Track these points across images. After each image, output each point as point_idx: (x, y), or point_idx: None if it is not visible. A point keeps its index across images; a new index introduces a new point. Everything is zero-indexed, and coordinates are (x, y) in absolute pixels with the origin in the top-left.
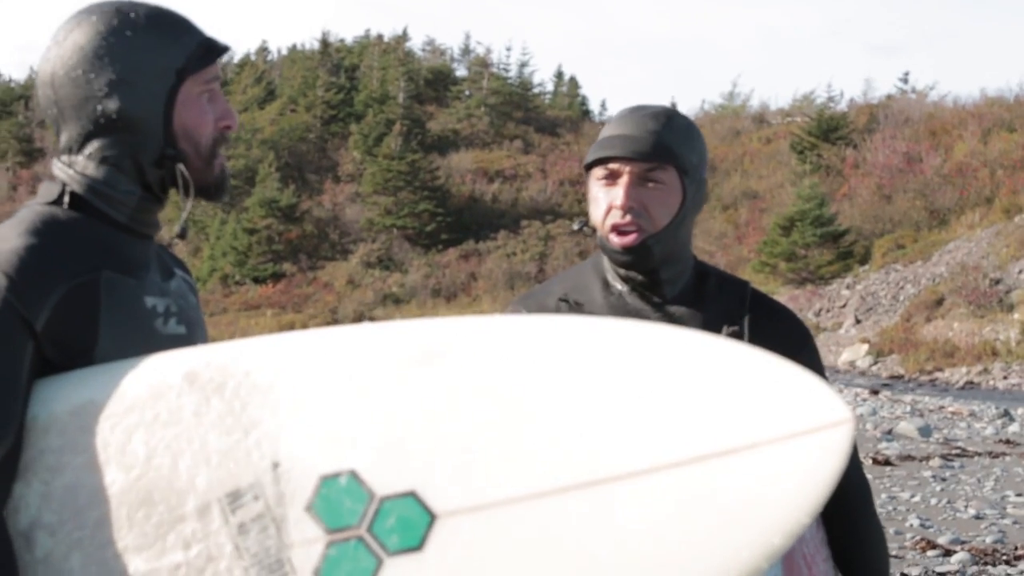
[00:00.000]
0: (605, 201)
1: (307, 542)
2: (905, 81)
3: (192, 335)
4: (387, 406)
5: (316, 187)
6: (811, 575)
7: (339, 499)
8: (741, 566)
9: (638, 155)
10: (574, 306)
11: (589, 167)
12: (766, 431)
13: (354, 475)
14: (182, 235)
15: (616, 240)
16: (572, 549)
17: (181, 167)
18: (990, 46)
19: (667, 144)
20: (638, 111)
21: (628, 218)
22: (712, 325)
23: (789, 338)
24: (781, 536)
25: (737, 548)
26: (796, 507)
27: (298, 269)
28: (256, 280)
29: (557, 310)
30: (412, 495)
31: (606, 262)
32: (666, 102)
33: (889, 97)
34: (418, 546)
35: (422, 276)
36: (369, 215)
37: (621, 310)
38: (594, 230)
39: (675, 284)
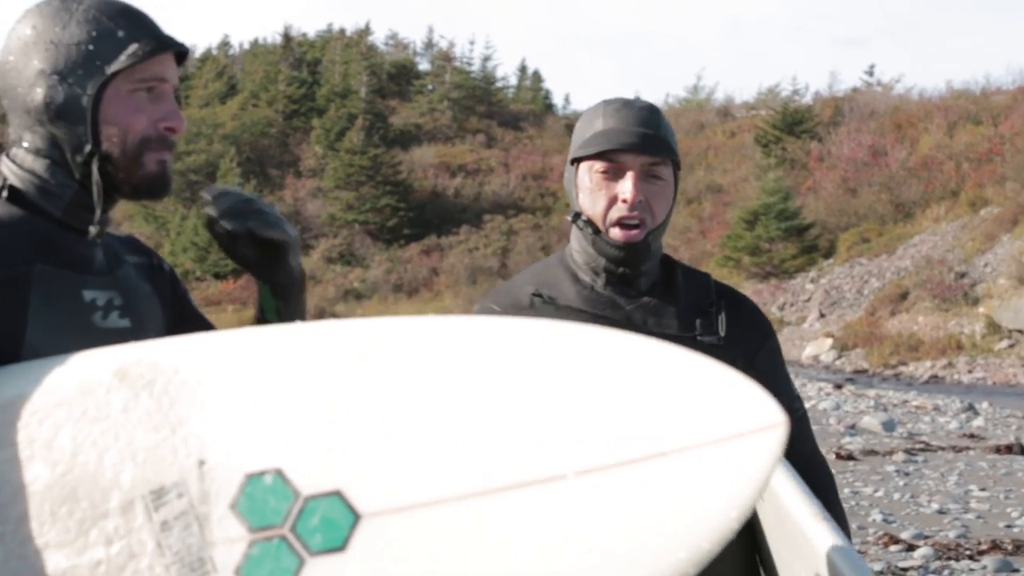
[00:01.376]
0: (606, 195)
1: (230, 540)
2: (871, 74)
3: (139, 327)
4: (316, 405)
5: (278, 182)
6: None
7: (264, 498)
8: (669, 571)
9: (648, 150)
10: (548, 300)
11: (587, 159)
12: (697, 434)
13: (280, 474)
14: (97, 235)
15: (620, 235)
16: (496, 553)
17: (94, 167)
18: (956, 39)
19: (665, 138)
20: (630, 105)
21: (635, 212)
22: (684, 316)
23: (756, 328)
24: (710, 542)
25: (665, 553)
26: (726, 512)
27: None
28: (217, 276)
29: (531, 305)
30: (337, 495)
31: (577, 256)
32: (630, 95)
33: (854, 90)
34: (341, 547)
35: (384, 271)
36: (331, 210)
37: (595, 303)
38: (586, 222)
39: (650, 276)
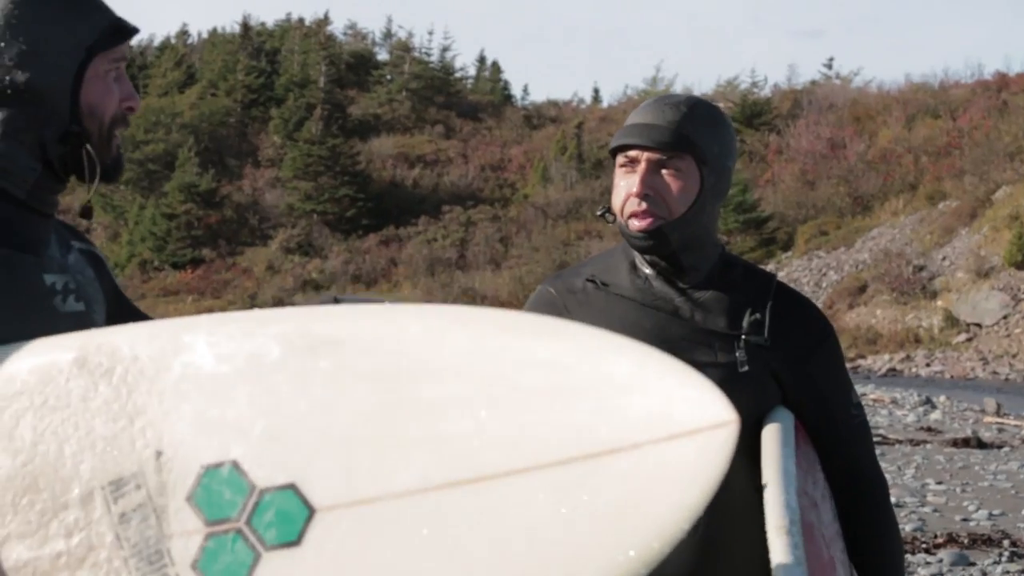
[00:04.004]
0: (625, 189)
1: (186, 533)
2: (829, 67)
3: (90, 311)
4: (272, 396)
5: (236, 172)
6: (829, 555)
7: (220, 490)
8: (619, 569)
9: (654, 143)
10: (600, 286)
11: (612, 155)
12: (648, 431)
13: (235, 466)
14: (85, 214)
15: (633, 225)
16: (449, 548)
17: (88, 147)
18: (914, 32)
19: (685, 133)
20: (661, 100)
21: (643, 205)
22: (735, 312)
23: (809, 330)
24: (660, 541)
25: (616, 551)
26: (677, 510)
27: (217, 255)
28: (175, 266)
29: (584, 289)
30: (292, 488)
31: None
32: (589, 87)
33: (813, 83)
34: (296, 540)
35: (342, 262)
36: (289, 200)
37: (647, 293)
38: (613, 216)
39: (699, 270)
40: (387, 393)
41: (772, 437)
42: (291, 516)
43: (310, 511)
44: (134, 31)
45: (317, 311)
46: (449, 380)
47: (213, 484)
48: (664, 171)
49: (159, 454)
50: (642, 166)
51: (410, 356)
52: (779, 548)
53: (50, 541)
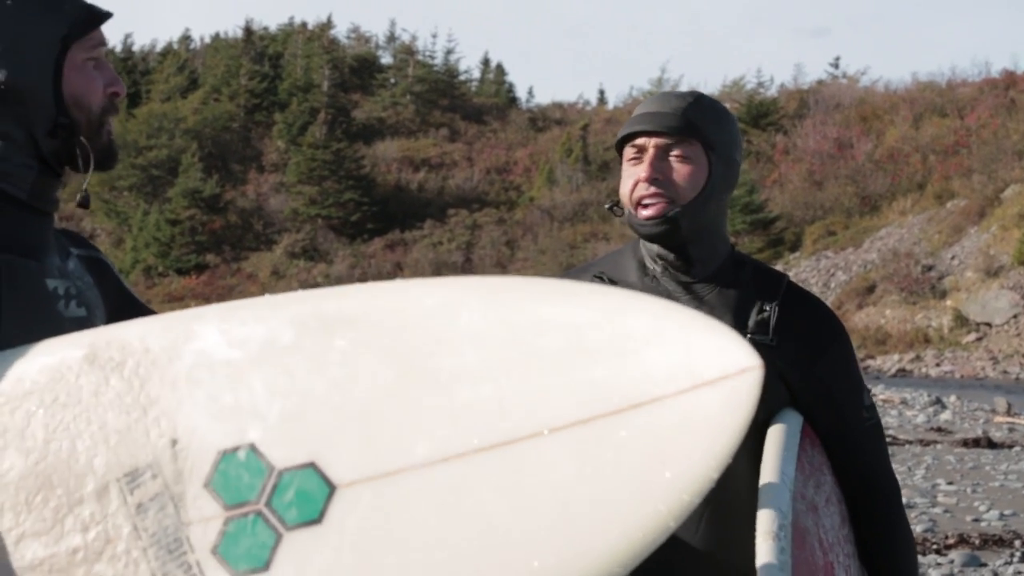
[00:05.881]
0: (632, 177)
1: (205, 519)
2: (836, 66)
3: (92, 317)
4: (288, 377)
5: (240, 177)
6: (826, 561)
7: (238, 474)
8: (648, 526)
9: (662, 127)
10: (608, 283)
11: (619, 148)
12: (670, 383)
13: (253, 449)
14: (83, 204)
15: (643, 213)
16: (475, 515)
17: (81, 138)
18: (921, 30)
19: (691, 120)
20: (666, 92)
21: (652, 189)
22: (742, 310)
23: (819, 330)
24: (689, 493)
25: (644, 507)
26: (704, 461)
27: (222, 260)
28: (179, 271)
29: None
30: (312, 466)
31: (643, 243)
32: (594, 88)
33: (820, 82)
34: (317, 518)
35: (347, 266)
36: (293, 205)
37: (654, 290)
38: (621, 207)
39: (707, 265)
40: (404, 367)
41: (773, 440)
42: (312, 494)
43: (331, 488)
44: (106, 15)
45: (328, 292)
46: (466, 350)
47: (230, 469)
48: (672, 156)
49: (174, 442)
50: (650, 152)
51: (426, 329)
52: (764, 552)
53: (66, 537)
